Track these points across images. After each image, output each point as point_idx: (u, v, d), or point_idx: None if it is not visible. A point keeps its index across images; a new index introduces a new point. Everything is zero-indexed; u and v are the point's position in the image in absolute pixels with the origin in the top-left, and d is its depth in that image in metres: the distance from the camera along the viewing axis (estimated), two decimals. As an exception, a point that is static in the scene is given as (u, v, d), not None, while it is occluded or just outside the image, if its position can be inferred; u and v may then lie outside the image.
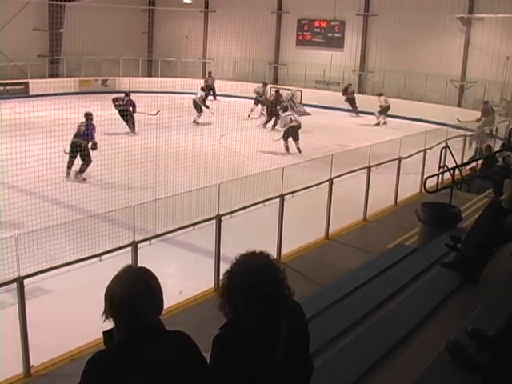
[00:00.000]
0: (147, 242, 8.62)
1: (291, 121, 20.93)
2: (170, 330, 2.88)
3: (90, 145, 16.13)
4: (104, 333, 2.83)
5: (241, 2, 34.90)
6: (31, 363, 6.84)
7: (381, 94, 28.73)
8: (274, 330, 2.91)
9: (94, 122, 16.85)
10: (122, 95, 24.04)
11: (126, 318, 2.74)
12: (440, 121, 26.02)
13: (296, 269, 9.40)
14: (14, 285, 6.81)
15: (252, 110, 27.76)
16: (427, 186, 11.52)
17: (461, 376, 3.96)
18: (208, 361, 2.93)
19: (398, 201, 13.99)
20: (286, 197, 10.46)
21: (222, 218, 9.34)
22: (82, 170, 15.92)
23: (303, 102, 30.37)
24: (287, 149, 20.61)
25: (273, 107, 25.35)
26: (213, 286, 9.08)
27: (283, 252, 10.28)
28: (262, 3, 35.15)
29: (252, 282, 2.87)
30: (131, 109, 23.08)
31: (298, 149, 20.52)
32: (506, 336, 3.80)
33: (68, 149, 15.87)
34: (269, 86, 29.95)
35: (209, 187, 9.79)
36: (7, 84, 30.93)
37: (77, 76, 33.83)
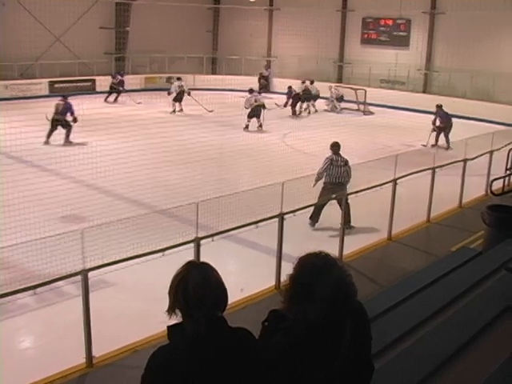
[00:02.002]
0: (210, 239, 8.67)
1: (255, 101, 23.52)
2: (233, 326, 2.89)
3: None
4: (169, 327, 2.85)
5: (306, 0, 34.80)
6: (93, 354, 6.97)
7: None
8: (338, 329, 2.89)
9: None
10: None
11: (199, 312, 2.76)
12: (508, 122, 25.44)
13: (358, 269, 9.32)
14: (79, 277, 6.95)
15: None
16: (493, 189, 11.29)
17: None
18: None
19: (462, 203, 13.73)
20: (349, 197, 10.39)
21: (285, 217, 9.32)
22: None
23: (367, 100, 30.10)
24: (247, 127, 23.13)
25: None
26: (274, 284, 9.08)
27: (345, 252, 10.21)
28: (327, 1, 34.96)
29: (317, 283, 2.86)
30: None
31: (260, 126, 23.25)
32: None
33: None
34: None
35: (272, 185, 9.79)
36: (75, 81, 31.62)
37: (142, 73, 34.34)
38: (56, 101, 19.90)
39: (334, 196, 11.47)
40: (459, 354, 4.55)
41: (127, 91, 29.75)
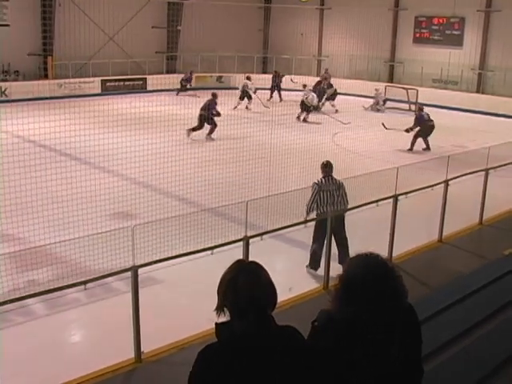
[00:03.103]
0: (259, 238, 8.67)
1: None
2: (281, 325, 2.88)
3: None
4: (217, 325, 2.84)
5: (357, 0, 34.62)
6: (142, 349, 7.03)
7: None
8: (388, 330, 2.85)
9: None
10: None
11: (249, 311, 2.76)
12: None
13: (407, 271, 9.18)
14: (128, 273, 7.02)
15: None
16: (549, 191, 11.03)
17: None
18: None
19: (517, 205, 13.46)
20: (399, 197, 10.26)
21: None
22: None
23: (419, 100, 29.71)
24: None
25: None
26: (322, 284, 9.04)
27: (395, 253, 10.09)
28: (378, 0, 34.70)
29: (366, 284, 2.83)
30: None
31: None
32: None
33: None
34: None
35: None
36: (127, 79, 32.06)
37: (193, 72, 34.62)
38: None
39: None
40: (509, 364, 4.45)
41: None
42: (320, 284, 9.09)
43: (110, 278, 7.82)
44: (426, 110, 27.30)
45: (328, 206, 9.63)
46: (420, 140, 20.40)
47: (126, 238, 7.38)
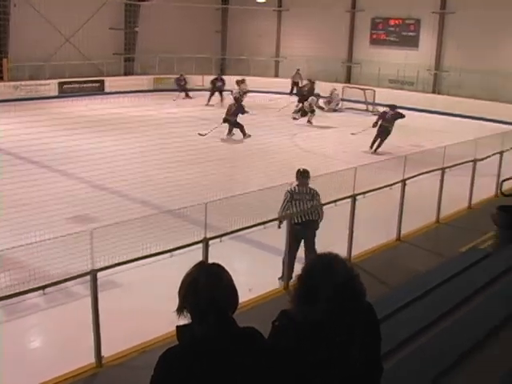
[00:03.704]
0: (218, 239, 8.67)
1: None
2: (242, 326, 2.89)
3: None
4: (178, 327, 2.84)
5: (315, 1, 34.84)
6: (103, 354, 6.98)
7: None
8: (347, 329, 2.88)
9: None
10: None
11: (208, 313, 2.76)
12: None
13: (366, 270, 9.27)
14: (87, 277, 6.97)
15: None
16: (503, 189, 11.23)
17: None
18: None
19: (472, 203, 13.68)
20: (357, 197, 10.36)
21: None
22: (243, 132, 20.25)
23: (376, 101, 30.05)
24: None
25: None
26: (282, 284, 9.08)
27: (354, 253, 10.18)
28: (336, 2, 35.00)
29: (324, 283, 2.85)
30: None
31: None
32: None
33: None
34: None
35: (280, 186, 9.78)
36: (84, 82, 31.75)
37: (151, 74, 34.44)
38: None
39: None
40: (468, 356, 4.53)
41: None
42: (280, 284, 9.14)
43: (69, 283, 7.73)
44: (383, 110, 27.65)
45: (299, 216, 9.44)
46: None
47: (86, 242, 7.31)
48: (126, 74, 34.30)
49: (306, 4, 35.24)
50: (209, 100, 29.85)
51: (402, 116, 20.79)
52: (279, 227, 9.67)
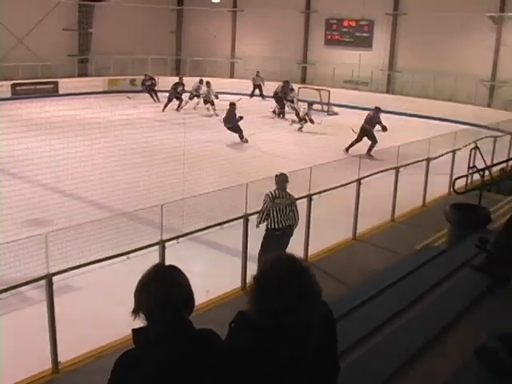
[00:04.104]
0: (175, 241, 8.65)
1: None
2: (199, 328, 2.89)
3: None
4: (134, 330, 2.83)
5: (269, 2, 34.92)
6: (59, 359, 6.90)
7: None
8: (303, 330, 2.90)
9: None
10: None
11: (161, 316, 2.75)
12: (470, 121, 25.79)
13: (323, 269, 9.36)
14: (43, 282, 6.88)
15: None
16: (456, 187, 11.42)
17: (490, 379, 3.92)
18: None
19: (426, 202, 13.88)
20: (313, 197, 10.42)
21: (250, 218, 9.33)
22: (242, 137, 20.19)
23: (331, 101, 30.27)
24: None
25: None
26: (240, 285, 9.08)
27: (310, 253, 10.25)
28: (290, 2, 35.16)
29: (282, 282, 2.86)
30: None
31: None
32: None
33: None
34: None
35: (237, 186, 9.79)
36: (38, 83, 31.28)
37: (105, 75, 34.10)
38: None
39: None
40: (424, 352, 4.59)
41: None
42: (238, 285, 9.14)
43: (24, 288, 7.62)
44: (338, 109, 27.89)
45: (280, 221, 9.44)
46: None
47: (40, 246, 7.22)
48: (80, 76, 33.87)
49: (261, 5, 35.33)
50: (165, 106, 28.60)
51: (380, 124, 20.88)
52: (258, 227, 9.61)
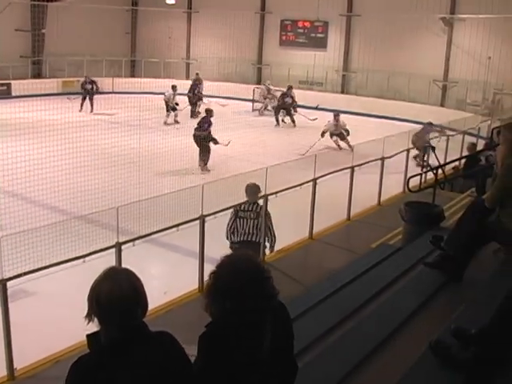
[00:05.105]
0: (131, 244, 8.58)
1: None
2: (154, 330, 2.88)
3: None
4: (88, 336, 2.82)
5: (224, 3, 34.90)
6: (15, 366, 6.80)
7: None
8: (259, 329, 2.92)
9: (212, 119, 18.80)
10: None
11: (112, 320, 2.75)
12: (423, 121, 26.13)
13: (280, 269, 9.39)
14: (-3, 287, 6.77)
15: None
16: (410, 186, 11.56)
17: (444, 374, 3.99)
18: (192, 359, 2.93)
19: (381, 200, 14.02)
20: (269, 197, 10.44)
21: (206, 219, 9.31)
22: (205, 161, 17.82)
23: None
24: None
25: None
26: (197, 286, 9.06)
27: (267, 252, 10.26)
28: (245, 4, 35.20)
29: (238, 283, 2.87)
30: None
31: None
32: (488, 334, 3.83)
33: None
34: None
35: (192, 188, 9.77)
36: (-11, 85, 30.76)
37: (60, 77, 33.67)
38: None
39: None
40: (380, 348, 4.65)
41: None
42: (195, 286, 9.12)
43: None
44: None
45: (240, 234, 9.34)
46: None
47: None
48: (33, 77, 33.38)
49: (216, 6, 35.29)
50: (81, 106, 27.75)
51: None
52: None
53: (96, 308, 2.75)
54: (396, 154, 14.95)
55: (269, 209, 10.29)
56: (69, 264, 7.80)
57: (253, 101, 30.88)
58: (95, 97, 28.72)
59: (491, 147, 14.20)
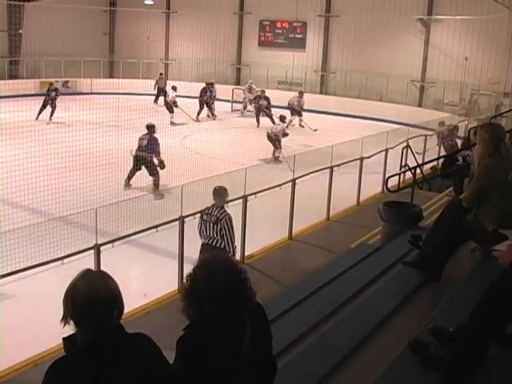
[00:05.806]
0: (110, 245, 8.55)
1: None
2: (131, 332, 2.87)
3: (155, 160, 15.45)
4: (64, 339, 2.80)
5: (203, 3, 34.80)
6: (-7, 370, 6.75)
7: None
8: (237, 331, 2.92)
9: (156, 135, 16.10)
10: None
11: (87, 322, 2.73)
12: (401, 121, 26.31)
13: (260, 270, 9.41)
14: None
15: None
16: (389, 186, 11.62)
17: (423, 373, 4.02)
18: (170, 361, 2.92)
19: (360, 200, 14.07)
20: (249, 198, 10.45)
21: (185, 220, 9.30)
22: (156, 184, 15.12)
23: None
24: None
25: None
26: (177, 287, 9.04)
27: (246, 253, 10.27)
28: (224, 4, 35.13)
29: (216, 285, 2.87)
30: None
31: None
32: (468, 330, 3.85)
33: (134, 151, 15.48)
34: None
35: (172, 189, 9.75)
36: (-35, 86, 30.40)
37: (37, 77, 33.40)
38: None
39: None
40: (359, 349, 4.68)
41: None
42: (175, 288, 9.09)
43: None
44: (272, 111, 28.01)
45: (203, 237, 9.04)
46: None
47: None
48: (10, 78, 33.09)
49: (195, 6, 35.19)
50: (39, 113, 25.88)
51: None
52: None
53: (71, 310, 2.73)
54: (375, 154, 15.02)
55: (248, 209, 10.30)
56: (48, 266, 7.75)
57: (232, 101, 30.88)
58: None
59: (468, 147, 14.34)
